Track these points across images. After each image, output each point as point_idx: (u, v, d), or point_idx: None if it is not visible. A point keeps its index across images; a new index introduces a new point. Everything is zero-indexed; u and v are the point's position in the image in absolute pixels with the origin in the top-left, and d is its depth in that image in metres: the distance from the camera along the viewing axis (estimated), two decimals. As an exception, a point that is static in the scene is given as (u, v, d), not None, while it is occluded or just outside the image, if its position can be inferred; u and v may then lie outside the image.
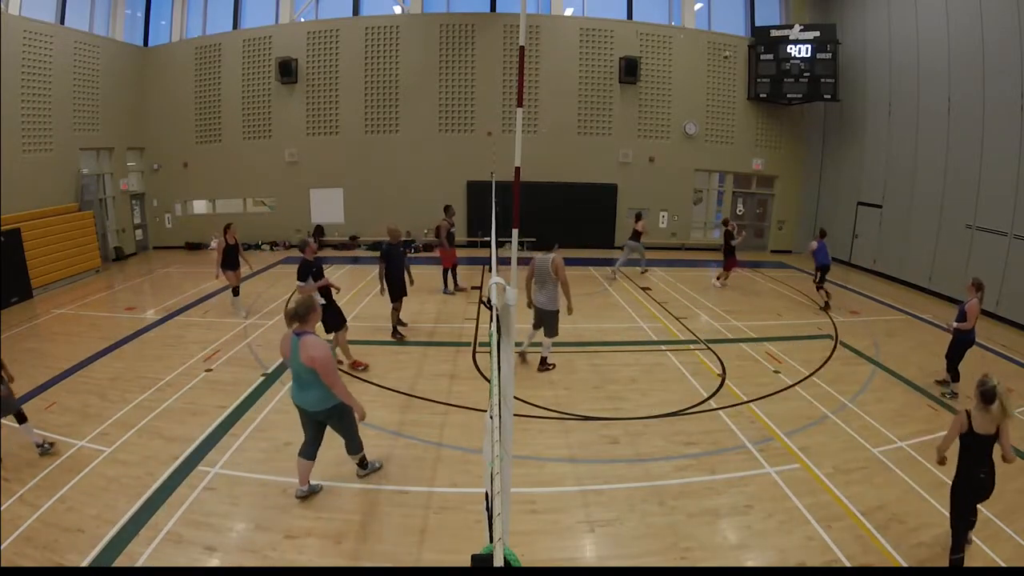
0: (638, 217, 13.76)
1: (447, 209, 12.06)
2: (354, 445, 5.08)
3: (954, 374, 7.45)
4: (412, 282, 9.17)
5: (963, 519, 4.21)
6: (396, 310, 9.10)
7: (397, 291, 8.87)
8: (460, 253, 16.46)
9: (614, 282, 13.35)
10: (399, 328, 9.20)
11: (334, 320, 7.64)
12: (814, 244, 11.64)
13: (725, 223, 13.44)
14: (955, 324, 7.26)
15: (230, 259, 10.03)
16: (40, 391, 7.06)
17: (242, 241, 16.97)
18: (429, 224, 17.13)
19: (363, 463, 5.30)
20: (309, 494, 4.98)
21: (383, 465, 5.46)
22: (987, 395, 4.07)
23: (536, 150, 15.88)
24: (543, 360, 7.94)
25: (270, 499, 4.98)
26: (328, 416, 4.78)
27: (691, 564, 4.29)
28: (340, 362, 7.76)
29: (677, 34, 16.89)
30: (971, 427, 4.14)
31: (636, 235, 13.60)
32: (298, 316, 4.55)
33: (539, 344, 7.98)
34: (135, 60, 16.36)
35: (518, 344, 8.01)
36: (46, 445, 5.61)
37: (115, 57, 15.48)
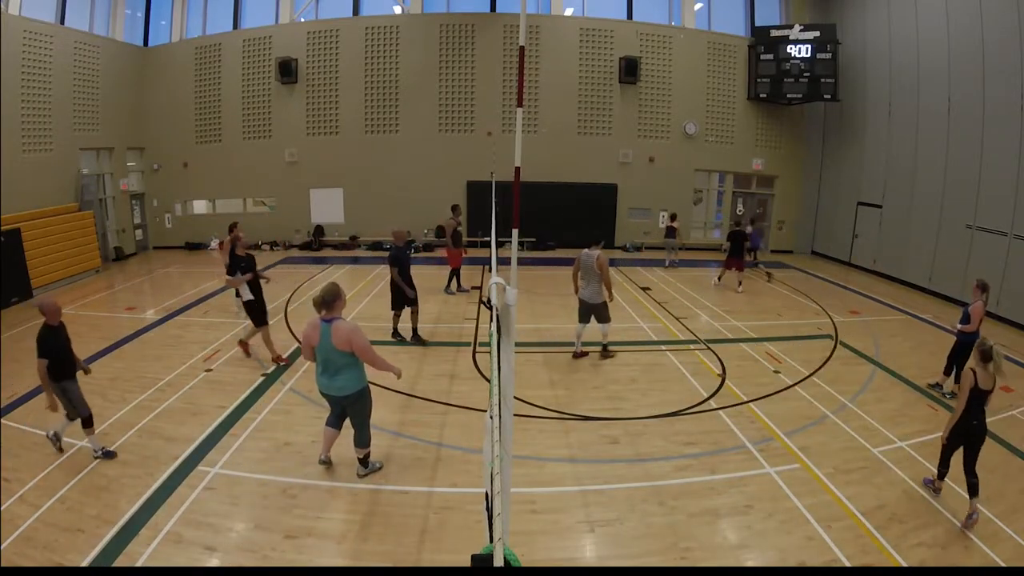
0: (673, 217, 15.13)
1: (454, 208, 12.03)
2: (363, 436, 5.17)
3: (958, 375, 7.41)
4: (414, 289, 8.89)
5: (946, 461, 5.05)
6: (415, 313, 8.91)
7: (406, 296, 8.66)
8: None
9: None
10: (416, 333, 8.96)
11: (257, 315, 7.89)
12: (749, 229, 13.51)
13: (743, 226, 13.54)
14: (959, 326, 7.24)
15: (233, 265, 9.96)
16: (40, 391, 7.04)
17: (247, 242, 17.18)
18: (429, 224, 17.17)
19: (366, 461, 5.32)
20: (328, 463, 5.35)
21: (383, 465, 5.46)
22: (986, 354, 4.76)
23: (536, 150, 15.88)
24: (605, 348, 8.43)
25: (270, 499, 4.98)
26: (354, 400, 4.95)
27: (691, 564, 4.29)
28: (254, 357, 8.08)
29: (677, 34, 16.89)
30: (976, 383, 4.73)
31: (672, 232, 14.99)
32: (325, 303, 4.72)
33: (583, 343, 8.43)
34: (135, 60, 16.36)
35: (573, 344, 8.56)
36: (104, 452, 5.56)
37: (115, 57, 15.48)
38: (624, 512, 4.89)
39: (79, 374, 5.61)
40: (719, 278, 13.24)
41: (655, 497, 5.10)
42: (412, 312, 8.90)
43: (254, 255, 8.25)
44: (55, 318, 5.40)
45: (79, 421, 5.49)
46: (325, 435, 5.32)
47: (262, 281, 8.14)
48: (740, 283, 12.75)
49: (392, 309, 8.92)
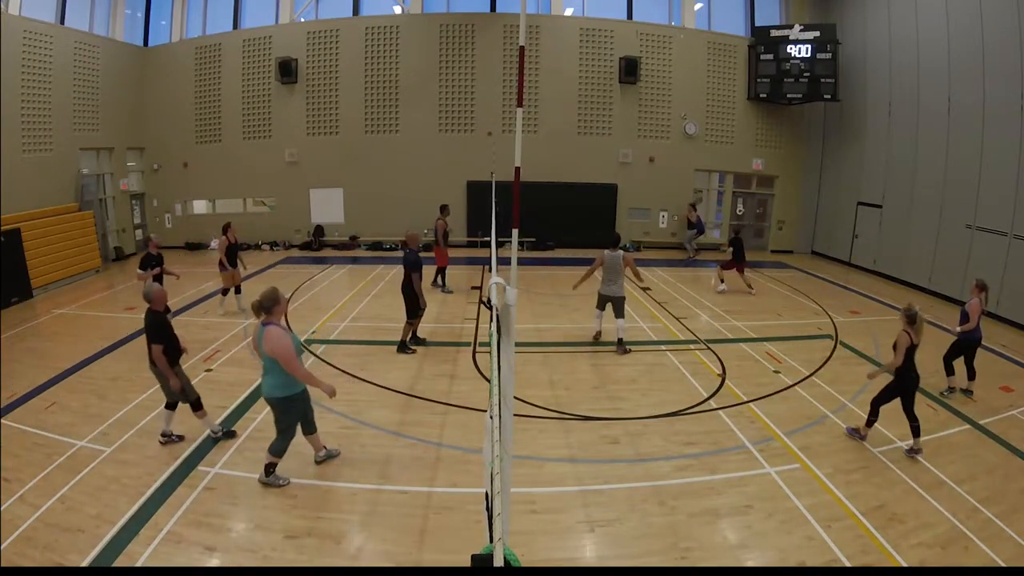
0: (693, 207, 16.01)
1: (443, 208, 12.04)
2: (276, 444, 5.06)
3: (971, 372, 7.43)
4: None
5: (876, 411, 6.06)
6: (419, 319, 8.68)
7: (417, 304, 8.40)
8: (460, 253, 16.58)
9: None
10: (412, 343, 8.73)
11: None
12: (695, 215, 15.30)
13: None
14: (959, 328, 7.24)
15: (230, 258, 10.05)
16: (40, 391, 7.06)
17: (242, 241, 17.17)
18: (429, 224, 17.12)
19: (269, 468, 5.08)
20: (327, 458, 5.47)
21: (289, 482, 5.15)
22: (912, 317, 5.71)
23: (536, 150, 15.88)
24: (621, 341, 8.73)
25: (270, 499, 4.98)
26: (274, 406, 4.96)
27: (691, 564, 4.29)
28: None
29: (677, 34, 16.89)
30: (912, 342, 5.68)
31: (691, 224, 15.66)
32: (263, 308, 4.78)
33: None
34: (135, 60, 16.36)
35: (572, 344, 8.99)
36: (225, 431, 5.99)
37: (115, 57, 15.48)
38: (624, 512, 4.89)
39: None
40: (721, 280, 13.17)
41: (655, 497, 5.10)
42: (408, 323, 8.61)
43: (163, 254, 9.15)
44: (161, 304, 5.74)
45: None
46: (308, 442, 5.42)
47: (171, 278, 8.85)
48: (723, 280, 12.72)
49: (410, 319, 8.52)
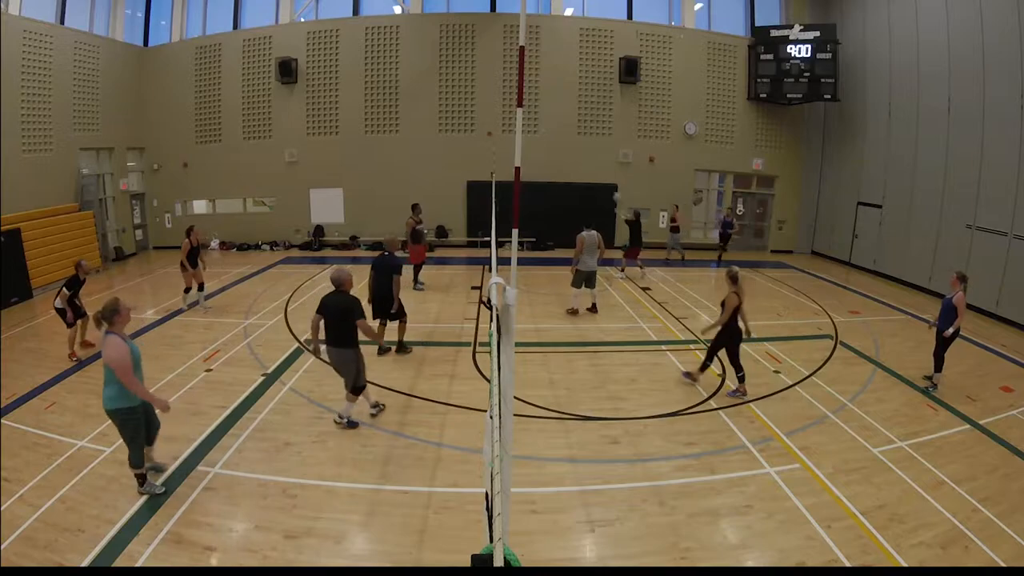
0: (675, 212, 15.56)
1: (414, 208, 12.13)
2: (133, 457, 4.89)
3: (939, 363, 7.61)
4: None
5: (712, 356, 7.30)
6: (384, 325, 8.44)
7: (390, 306, 8.14)
8: (460, 253, 16.59)
9: (616, 281, 13.38)
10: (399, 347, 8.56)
11: (77, 313, 8.34)
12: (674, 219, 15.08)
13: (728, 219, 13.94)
14: (951, 330, 7.28)
15: (191, 259, 10.37)
16: (40, 391, 7.06)
17: (242, 241, 17.23)
18: (429, 224, 17.14)
19: (141, 480, 4.98)
20: (151, 470, 5.19)
21: (165, 490, 5.03)
22: (735, 277, 6.85)
23: (536, 150, 15.87)
24: (595, 305, 10.67)
25: (270, 499, 4.98)
26: (112, 417, 4.81)
27: (691, 564, 4.29)
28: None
29: (677, 34, 16.89)
30: (739, 301, 6.82)
31: (675, 227, 15.36)
32: (104, 318, 4.76)
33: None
34: (135, 60, 16.36)
35: (573, 345, 9.13)
36: (349, 421, 6.22)
37: (115, 57, 15.48)
38: (624, 512, 4.89)
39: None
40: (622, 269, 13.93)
41: (655, 497, 5.10)
42: (382, 324, 8.39)
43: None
44: (350, 287, 6.05)
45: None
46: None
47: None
48: (623, 269, 13.82)
49: (395, 319, 8.37)
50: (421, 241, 11.91)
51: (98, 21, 15.31)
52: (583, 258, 10.24)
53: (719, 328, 7.00)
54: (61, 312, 8.17)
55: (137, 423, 4.85)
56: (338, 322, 5.88)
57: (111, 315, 4.73)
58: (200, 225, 17.25)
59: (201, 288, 10.70)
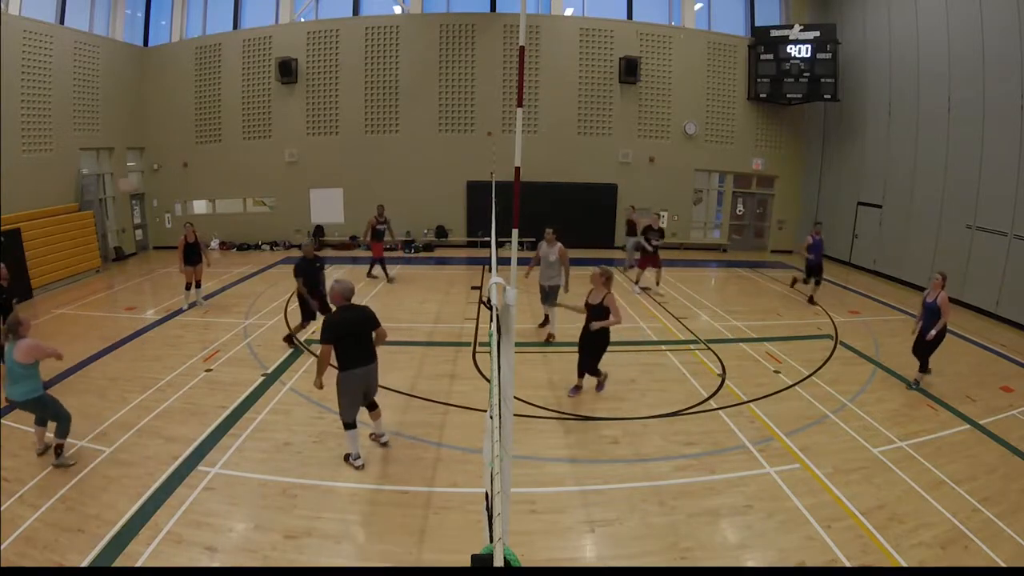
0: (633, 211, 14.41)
1: (379, 208, 12.95)
2: (60, 428, 5.46)
3: (924, 363, 7.60)
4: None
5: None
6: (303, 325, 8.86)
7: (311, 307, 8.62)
8: (460, 253, 16.59)
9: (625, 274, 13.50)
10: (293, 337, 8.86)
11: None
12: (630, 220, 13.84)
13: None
14: (933, 332, 7.24)
15: (191, 256, 10.49)
16: (51, 385, 7.04)
17: (242, 241, 17.22)
18: (429, 224, 17.19)
19: (59, 451, 5.44)
20: (45, 451, 5.57)
21: (76, 463, 5.45)
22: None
23: (536, 150, 15.87)
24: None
25: (270, 499, 4.98)
26: (32, 408, 5.39)
27: (691, 564, 4.29)
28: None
29: (677, 34, 16.88)
30: (588, 300, 6.73)
31: (632, 228, 13.94)
32: (10, 331, 5.22)
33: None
34: (135, 60, 16.35)
35: (570, 344, 8.78)
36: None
37: (115, 57, 15.47)
38: (624, 512, 4.89)
39: None
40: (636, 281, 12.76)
41: (655, 497, 5.10)
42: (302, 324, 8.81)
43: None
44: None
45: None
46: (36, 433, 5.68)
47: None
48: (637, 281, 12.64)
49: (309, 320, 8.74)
50: (379, 239, 12.87)
51: (98, 21, 15.30)
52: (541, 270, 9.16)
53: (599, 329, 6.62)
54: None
55: (51, 402, 5.51)
56: (365, 335, 5.37)
57: (16, 327, 5.23)
58: (200, 225, 17.27)
59: (198, 285, 10.77)
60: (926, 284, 12.97)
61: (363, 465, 5.46)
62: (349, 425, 5.43)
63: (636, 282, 12.60)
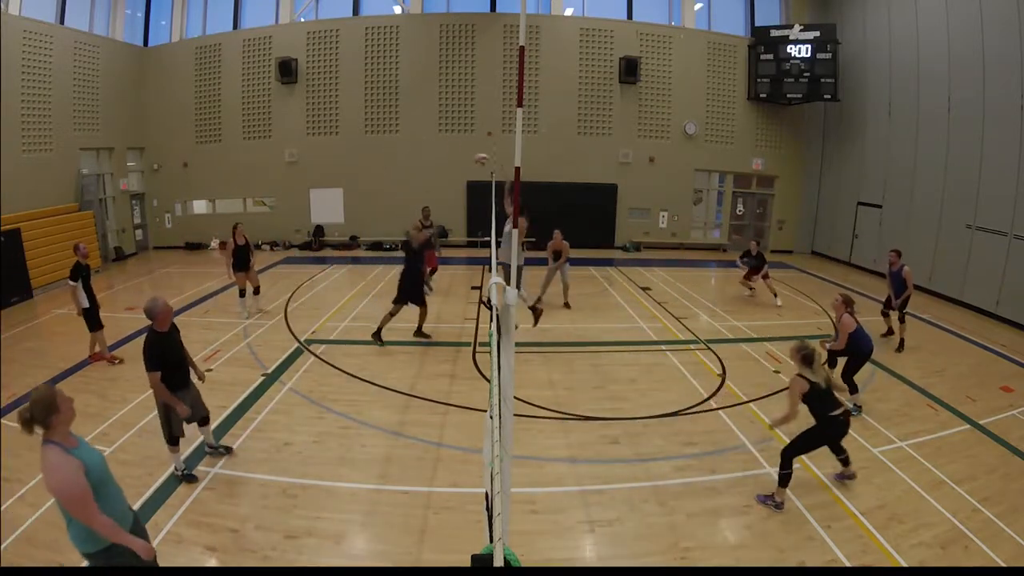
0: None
1: (425, 211, 12.27)
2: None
3: (851, 386, 6.76)
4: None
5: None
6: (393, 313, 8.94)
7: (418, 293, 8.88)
8: (460, 253, 16.62)
9: (616, 282, 13.36)
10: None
11: (92, 321, 7.97)
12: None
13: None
14: (828, 345, 6.82)
15: (240, 260, 9.81)
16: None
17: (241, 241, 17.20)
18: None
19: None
20: None
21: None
22: (808, 358, 4.98)
23: (536, 150, 15.86)
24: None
25: (270, 499, 4.97)
26: (91, 561, 3.30)
27: (691, 564, 4.29)
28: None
29: (677, 34, 16.89)
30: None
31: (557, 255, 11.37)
32: (34, 420, 2.93)
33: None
34: (135, 60, 16.36)
35: (572, 345, 8.82)
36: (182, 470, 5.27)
37: (115, 57, 15.48)
38: (624, 512, 4.89)
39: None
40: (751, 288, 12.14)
41: (655, 497, 5.10)
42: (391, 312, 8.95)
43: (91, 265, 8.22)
44: (164, 324, 4.91)
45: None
46: None
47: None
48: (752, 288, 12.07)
49: (419, 304, 8.95)
50: (430, 246, 11.49)
51: (98, 21, 15.31)
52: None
53: None
54: (87, 313, 7.82)
55: (123, 561, 3.26)
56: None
57: (44, 416, 2.92)
58: (200, 225, 17.48)
59: (256, 292, 10.31)
60: (926, 284, 13.09)
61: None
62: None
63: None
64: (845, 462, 5.22)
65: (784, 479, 4.92)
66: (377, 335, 8.81)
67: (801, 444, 4.98)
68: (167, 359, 4.86)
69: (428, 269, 11.77)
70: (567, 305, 10.92)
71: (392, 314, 8.81)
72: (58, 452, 2.94)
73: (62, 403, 2.99)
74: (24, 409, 2.93)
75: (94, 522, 3.00)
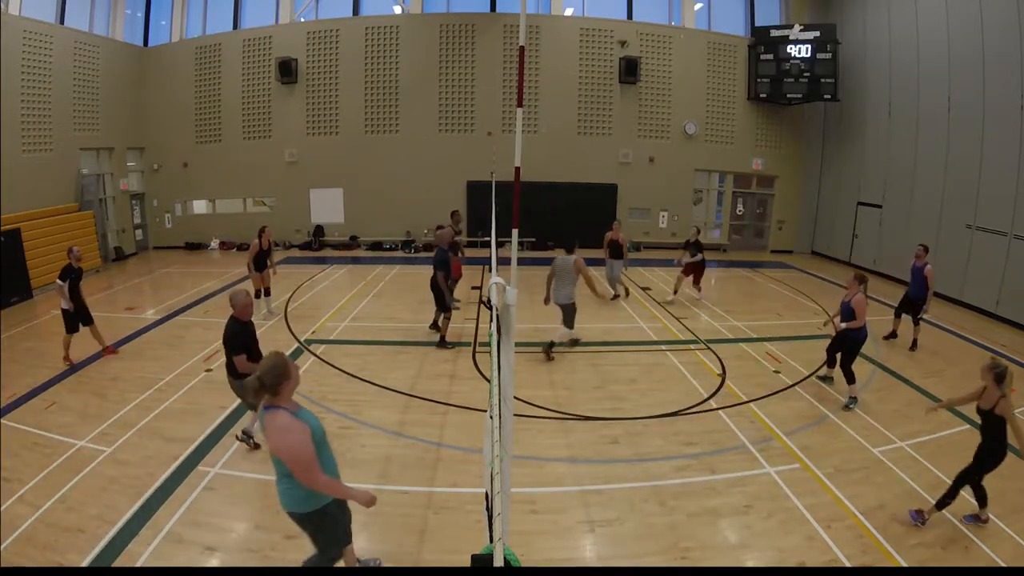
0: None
1: (454, 215, 11.60)
2: (315, 560, 3.62)
3: (849, 376, 6.95)
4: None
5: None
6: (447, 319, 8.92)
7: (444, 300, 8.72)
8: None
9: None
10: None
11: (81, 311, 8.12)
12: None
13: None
14: (843, 324, 6.90)
15: (260, 262, 9.99)
16: (40, 391, 7.06)
17: (242, 241, 17.22)
18: (429, 224, 17.10)
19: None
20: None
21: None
22: (1001, 375, 4.50)
23: (536, 150, 15.87)
24: (552, 346, 8.36)
25: (270, 499, 4.95)
26: (300, 523, 3.48)
27: (691, 564, 4.29)
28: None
29: (677, 34, 16.89)
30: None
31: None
32: (264, 386, 3.22)
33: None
34: (135, 60, 16.36)
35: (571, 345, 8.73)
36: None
37: (115, 57, 15.48)
38: (624, 512, 4.89)
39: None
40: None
41: (655, 497, 5.10)
42: (445, 318, 8.92)
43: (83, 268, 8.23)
44: (246, 314, 5.50)
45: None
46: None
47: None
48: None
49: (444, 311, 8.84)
50: (456, 252, 10.29)
51: (98, 21, 15.31)
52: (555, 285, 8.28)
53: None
54: (66, 314, 7.89)
55: (334, 524, 3.52)
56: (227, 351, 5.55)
57: (275, 382, 3.20)
58: (200, 225, 17.48)
59: (268, 293, 10.33)
60: (926, 284, 13.05)
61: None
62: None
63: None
64: (983, 501, 4.77)
65: (950, 501, 4.65)
66: (442, 342, 8.80)
67: (976, 467, 4.62)
68: (246, 345, 5.45)
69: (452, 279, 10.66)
70: (617, 297, 11.52)
71: (447, 319, 8.85)
72: (287, 416, 3.22)
73: (292, 370, 3.27)
74: (257, 376, 3.21)
75: (317, 482, 3.22)
